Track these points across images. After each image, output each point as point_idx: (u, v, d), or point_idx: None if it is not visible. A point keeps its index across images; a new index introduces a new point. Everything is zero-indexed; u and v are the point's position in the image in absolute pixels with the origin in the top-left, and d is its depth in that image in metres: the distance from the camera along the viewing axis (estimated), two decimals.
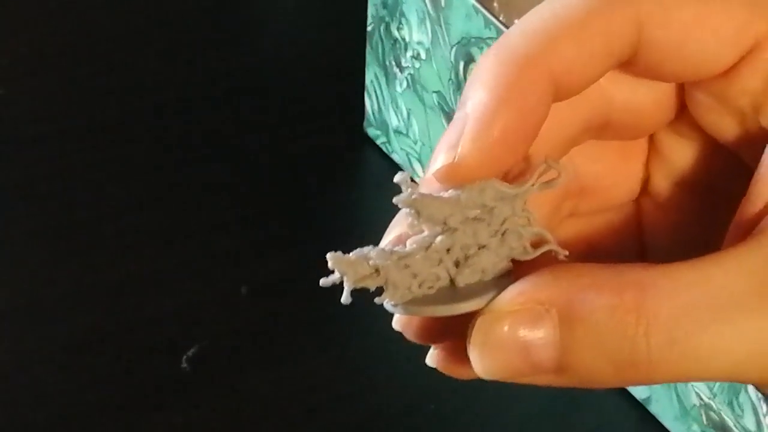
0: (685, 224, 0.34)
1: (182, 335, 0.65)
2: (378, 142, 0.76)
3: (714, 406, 0.58)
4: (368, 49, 0.74)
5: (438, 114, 0.69)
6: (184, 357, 0.64)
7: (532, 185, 0.30)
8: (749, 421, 0.56)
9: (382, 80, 0.73)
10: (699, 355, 0.27)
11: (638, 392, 0.63)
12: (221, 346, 0.65)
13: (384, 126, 0.75)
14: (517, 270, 0.30)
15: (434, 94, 0.69)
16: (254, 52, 0.83)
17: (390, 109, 0.73)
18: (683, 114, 0.33)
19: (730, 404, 0.57)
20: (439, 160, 0.29)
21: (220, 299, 0.67)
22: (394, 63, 0.71)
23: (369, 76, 0.75)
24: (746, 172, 0.30)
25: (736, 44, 0.30)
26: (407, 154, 0.73)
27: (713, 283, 0.27)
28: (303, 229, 0.71)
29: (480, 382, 0.64)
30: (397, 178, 0.29)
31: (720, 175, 0.34)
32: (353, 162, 0.77)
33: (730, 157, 0.33)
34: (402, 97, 0.72)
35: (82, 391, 0.62)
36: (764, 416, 0.55)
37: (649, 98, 0.33)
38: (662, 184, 0.35)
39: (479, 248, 0.30)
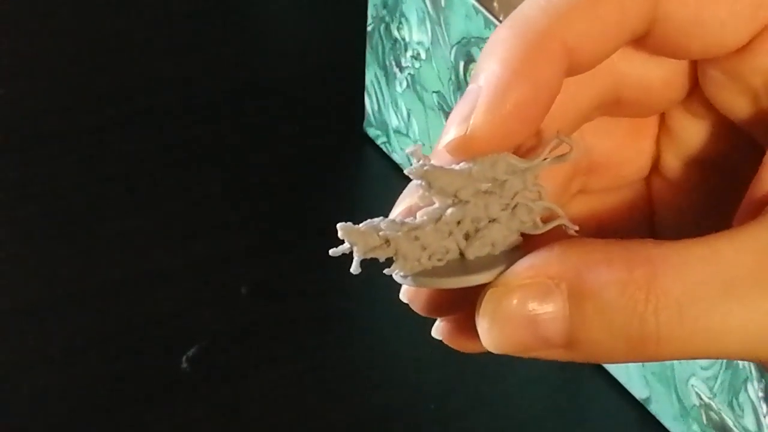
0: (695, 203, 0.34)
1: (182, 335, 0.65)
2: (378, 142, 0.76)
3: (714, 406, 0.58)
4: (368, 49, 0.74)
5: (438, 114, 0.69)
6: (184, 357, 0.64)
7: (544, 159, 0.30)
8: (749, 421, 0.56)
9: (382, 80, 0.73)
10: (708, 333, 0.27)
11: (638, 392, 0.63)
12: (221, 346, 0.65)
13: (384, 126, 0.75)
14: (526, 244, 0.30)
15: (434, 94, 0.69)
16: (254, 52, 0.83)
17: (390, 109, 0.73)
18: (695, 92, 0.33)
19: (730, 404, 0.57)
20: (451, 133, 0.29)
21: (220, 299, 0.67)
22: (394, 63, 0.72)
23: (369, 76, 0.75)
24: (758, 151, 0.30)
25: (751, 21, 0.30)
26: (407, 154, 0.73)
27: (724, 261, 0.27)
28: (302, 229, 0.71)
29: (480, 381, 0.64)
30: (408, 150, 0.29)
31: (731, 154, 0.33)
32: (353, 162, 0.77)
33: (741, 135, 0.33)
34: (402, 97, 0.72)
35: (82, 391, 0.62)
36: (764, 416, 0.55)
37: (661, 76, 0.32)
38: (673, 162, 0.34)
39: (490, 221, 0.30)
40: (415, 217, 0.30)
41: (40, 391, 0.62)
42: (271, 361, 0.64)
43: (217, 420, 0.62)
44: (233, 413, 0.62)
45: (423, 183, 0.29)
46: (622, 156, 0.34)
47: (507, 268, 0.29)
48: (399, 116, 0.73)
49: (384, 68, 0.73)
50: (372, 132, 0.76)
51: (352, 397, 0.63)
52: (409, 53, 0.70)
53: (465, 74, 0.65)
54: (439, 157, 0.30)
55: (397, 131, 0.74)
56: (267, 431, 0.62)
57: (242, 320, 0.66)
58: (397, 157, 0.75)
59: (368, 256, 0.29)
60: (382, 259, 0.29)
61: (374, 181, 0.75)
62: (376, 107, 0.75)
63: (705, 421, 0.59)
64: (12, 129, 0.75)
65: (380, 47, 0.72)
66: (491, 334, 0.28)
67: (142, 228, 0.70)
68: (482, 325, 0.28)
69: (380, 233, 0.29)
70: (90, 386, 0.62)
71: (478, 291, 0.29)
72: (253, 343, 0.65)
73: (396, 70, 0.72)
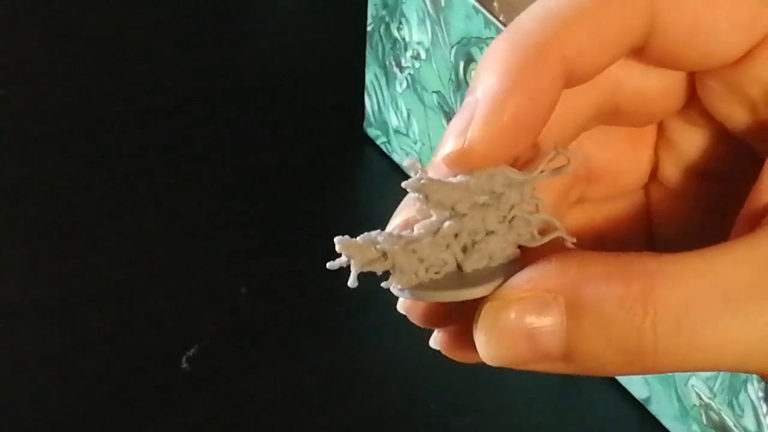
0: (693, 213, 0.34)
1: (182, 335, 0.65)
2: (378, 142, 0.76)
3: (714, 406, 0.58)
4: (368, 49, 0.74)
5: (438, 114, 0.69)
6: (184, 357, 0.64)
7: (542, 171, 0.30)
8: (749, 421, 0.56)
9: (382, 80, 0.73)
10: (706, 345, 0.27)
11: (638, 392, 0.63)
12: (221, 346, 0.65)
13: (384, 126, 0.75)
14: (524, 257, 0.30)
15: (434, 94, 0.69)
16: (254, 52, 0.83)
17: (390, 109, 0.73)
18: (693, 101, 0.33)
19: (730, 404, 0.57)
20: (448, 146, 0.29)
21: (220, 299, 0.67)
22: (394, 63, 0.72)
23: (369, 76, 0.75)
24: (756, 162, 0.30)
25: (749, 32, 0.30)
26: (407, 154, 0.73)
27: (721, 273, 0.27)
28: (303, 229, 0.71)
29: (480, 381, 0.64)
30: (406, 163, 0.29)
31: (729, 164, 0.33)
32: (353, 162, 0.77)
33: (740, 145, 0.32)
34: (402, 97, 0.72)
35: (82, 391, 0.62)
36: (764, 416, 0.55)
37: (660, 85, 0.32)
38: (671, 171, 0.34)
39: (487, 234, 0.30)
40: (413, 230, 0.30)
41: (40, 391, 0.62)
42: (271, 361, 0.65)
43: (217, 420, 0.62)
44: (233, 413, 0.62)
45: (420, 196, 0.29)
46: (621, 165, 0.34)
47: (505, 281, 0.29)
48: (399, 116, 0.73)
49: (384, 68, 0.73)
50: (372, 132, 0.76)
51: (352, 397, 0.63)
52: (409, 53, 0.70)
53: (465, 74, 0.65)
54: (437, 169, 0.30)
55: (397, 131, 0.74)
56: (267, 431, 0.62)
57: (242, 320, 0.66)
58: (397, 157, 0.74)
59: (366, 270, 0.29)
60: (379, 272, 0.29)
61: (374, 181, 0.75)
62: (376, 107, 0.75)
63: (705, 421, 0.59)
64: (12, 129, 0.75)
65: (380, 47, 0.72)
66: (489, 347, 0.28)
67: (142, 228, 0.70)
68: (480, 338, 0.28)
69: (377, 246, 0.29)
70: (90, 386, 0.62)
71: (476, 303, 0.29)
72: (253, 343, 0.65)
73: (396, 70, 0.72)
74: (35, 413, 0.61)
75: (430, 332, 0.32)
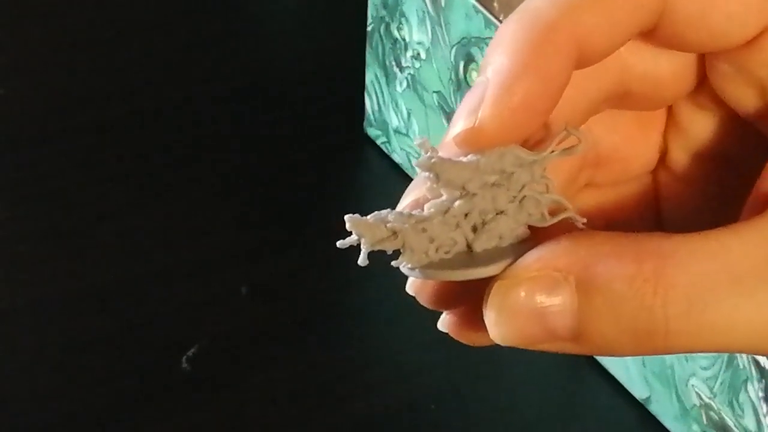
0: (702, 196, 0.34)
1: (182, 335, 0.65)
2: (378, 142, 0.76)
3: (714, 406, 0.58)
4: (368, 49, 0.74)
5: (438, 114, 0.69)
6: (184, 357, 0.64)
7: (552, 151, 0.30)
8: (749, 421, 0.56)
9: (382, 80, 0.73)
10: (716, 326, 0.27)
11: (638, 392, 0.63)
12: (221, 346, 0.65)
13: (384, 126, 0.75)
14: (534, 237, 0.30)
15: (434, 94, 0.69)
16: (254, 52, 0.83)
17: (390, 109, 0.73)
18: (703, 85, 0.33)
19: (730, 404, 0.57)
20: (459, 125, 0.29)
21: (220, 299, 0.67)
22: (394, 63, 0.72)
23: (369, 76, 0.75)
24: (765, 145, 0.30)
25: (759, 15, 0.30)
26: (407, 154, 0.73)
27: (732, 254, 0.27)
28: (303, 229, 0.71)
29: (480, 381, 0.64)
30: (416, 142, 0.29)
31: (738, 148, 0.33)
32: (353, 162, 0.77)
33: (749, 129, 0.32)
34: (402, 97, 0.72)
35: (82, 391, 0.62)
36: (764, 416, 0.55)
37: (669, 69, 0.32)
38: (680, 155, 0.34)
39: (497, 214, 0.30)
40: (423, 210, 0.30)
41: (40, 391, 0.62)
42: (271, 361, 0.64)
43: (217, 420, 0.62)
44: (233, 413, 0.62)
45: (431, 175, 0.29)
46: (630, 149, 0.34)
47: (514, 260, 0.29)
48: (399, 116, 0.73)
49: (384, 68, 0.73)
50: (372, 132, 0.76)
51: (352, 397, 0.63)
52: (409, 53, 0.70)
53: (465, 74, 0.65)
54: (447, 149, 0.30)
55: (397, 131, 0.74)
56: (267, 431, 0.62)
57: (242, 320, 0.66)
58: (397, 157, 0.75)
59: (376, 248, 0.29)
60: (389, 252, 0.29)
61: (374, 181, 0.75)
62: (376, 107, 0.75)
63: (705, 421, 0.59)
64: (12, 129, 0.75)
65: (380, 47, 0.72)
66: (498, 326, 0.28)
67: (142, 228, 0.70)
68: (489, 317, 0.28)
69: (388, 225, 0.29)
70: (90, 386, 0.62)
71: (485, 283, 0.29)
72: (253, 343, 0.65)
73: (396, 70, 0.72)
74: (35, 413, 0.61)
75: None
